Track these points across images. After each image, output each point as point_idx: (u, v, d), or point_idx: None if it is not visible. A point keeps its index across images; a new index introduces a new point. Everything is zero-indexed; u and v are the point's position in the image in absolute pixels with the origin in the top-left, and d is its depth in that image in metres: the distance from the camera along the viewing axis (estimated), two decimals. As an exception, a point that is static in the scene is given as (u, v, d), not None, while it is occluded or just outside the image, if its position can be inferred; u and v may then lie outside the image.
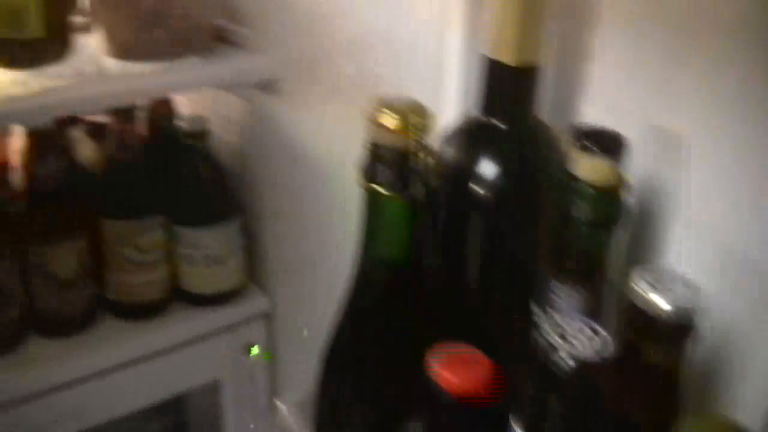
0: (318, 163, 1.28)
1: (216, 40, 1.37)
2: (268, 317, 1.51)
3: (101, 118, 1.41)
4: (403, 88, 1.03)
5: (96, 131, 1.45)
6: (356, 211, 1.18)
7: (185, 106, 1.51)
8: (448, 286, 0.78)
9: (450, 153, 0.76)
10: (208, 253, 1.41)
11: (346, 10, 1.15)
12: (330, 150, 1.25)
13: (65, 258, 1.32)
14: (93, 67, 1.28)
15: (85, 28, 1.32)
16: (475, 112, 0.77)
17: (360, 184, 0.69)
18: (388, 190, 0.68)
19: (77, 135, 1.44)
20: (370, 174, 0.68)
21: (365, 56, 1.13)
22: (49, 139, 1.29)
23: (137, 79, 1.27)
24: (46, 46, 1.21)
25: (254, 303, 1.50)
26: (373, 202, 0.70)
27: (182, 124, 1.39)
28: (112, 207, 1.36)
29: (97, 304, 1.41)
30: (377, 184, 0.68)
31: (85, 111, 1.39)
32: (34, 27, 1.18)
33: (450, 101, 0.91)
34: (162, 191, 1.39)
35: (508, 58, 0.71)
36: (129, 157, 1.35)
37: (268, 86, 1.35)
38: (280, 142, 1.36)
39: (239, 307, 1.48)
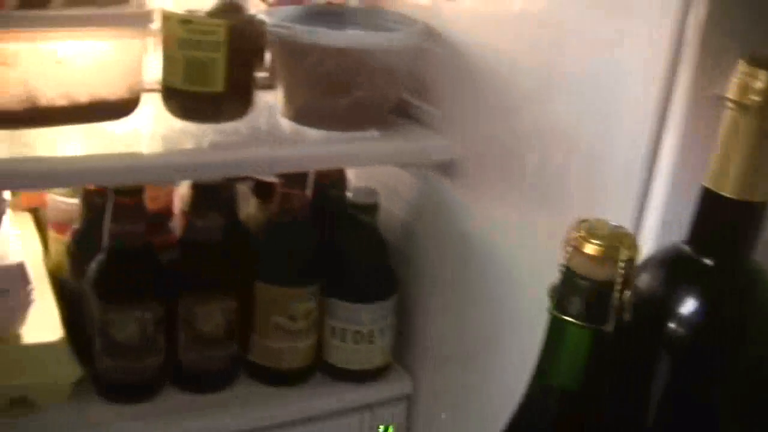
0: (488, 253, 1.23)
1: (398, 114, 1.34)
2: (409, 399, 1.46)
3: (270, 177, 1.39)
4: (592, 192, 1.00)
5: (262, 190, 1.43)
6: (518, 312, 1.15)
7: (355, 174, 1.48)
8: (624, 428, 0.72)
9: (646, 283, 0.71)
10: (359, 329, 1.37)
11: (539, 100, 1.11)
12: (502, 242, 1.20)
13: (213, 315, 1.29)
14: (269, 127, 1.27)
15: (270, 85, 1.30)
16: (680, 243, 0.71)
17: (548, 310, 0.64)
18: (579, 321, 0.63)
19: (242, 191, 1.43)
20: (561, 301, 0.63)
21: (553, 151, 1.09)
22: (213, 191, 1.27)
23: (312, 147, 1.25)
24: (226, 101, 1.19)
25: (397, 384, 1.45)
26: (558, 330, 0.65)
27: (352, 195, 1.36)
28: (268, 271, 1.33)
29: (238, 365, 1.38)
30: (568, 314, 0.63)
31: (253, 172, 1.38)
32: (216, 82, 1.16)
33: (650, 225, 0.86)
34: (322, 261, 1.35)
35: (730, 191, 0.66)
36: (292, 222, 1.32)
37: (445, 167, 1.31)
38: (451, 226, 1.31)
39: (381, 387, 1.44)
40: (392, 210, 1.44)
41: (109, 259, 1.24)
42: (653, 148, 0.90)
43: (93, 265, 1.25)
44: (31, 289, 1.24)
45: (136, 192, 1.22)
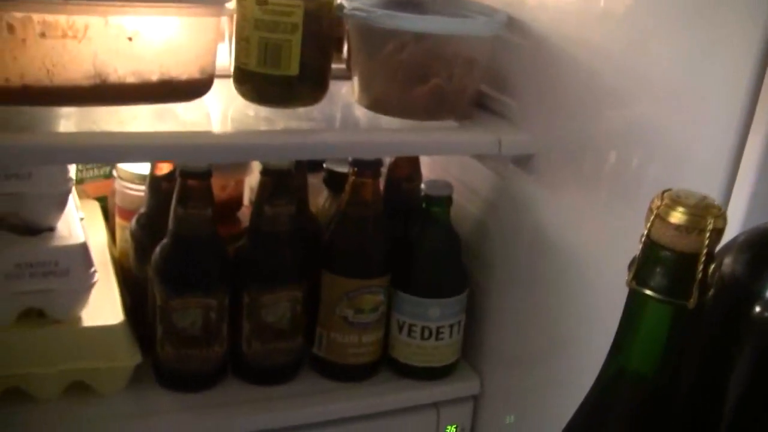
0: (563, 250, 1.19)
1: (477, 106, 1.30)
2: (475, 400, 1.42)
3: (341, 167, 1.36)
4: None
5: (334, 181, 1.40)
6: (594, 310, 1.10)
7: (429, 168, 1.45)
8: (703, 417, 0.67)
9: (730, 266, 0.66)
10: (427, 325, 1.33)
11: (622, 98, 1.07)
12: (578, 239, 1.16)
13: (279, 305, 1.26)
14: (343, 114, 1.25)
15: (345, 76, 1.28)
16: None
17: (627, 283, 0.60)
18: (659, 295, 0.58)
19: (313, 181, 1.40)
20: (641, 274, 0.59)
21: (634, 150, 1.05)
22: (283, 179, 1.24)
23: (387, 134, 1.22)
24: (300, 85, 1.17)
25: (464, 383, 1.41)
26: (636, 305, 0.61)
27: (425, 187, 1.32)
28: (336, 262, 1.30)
29: (302, 358, 1.35)
30: (649, 288, 0.58)
31: (326, 156, 1.37)
32: (290, 65, 1.14)
33: (737, 208, 0.82)
34: (392, 254, 1.32)
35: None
36: (363, 213, 1.29)
37: (521, 161, 1.27)
38: (525, 221, 1.27)
39: (448, 386, 1.39)
40: (465, 205, 1.40)
41: (174, 244, 1.22)
42: (737, 150, 0.88)
43: (157, 250, 1.23)
44: (94, 272, 1.22)
45: (204, 175, 1.19)
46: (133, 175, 1.39)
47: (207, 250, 1.23)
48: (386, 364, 1.38)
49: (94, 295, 1.23)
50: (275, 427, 1.28)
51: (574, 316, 1.18)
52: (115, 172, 1.43)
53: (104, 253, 1.39)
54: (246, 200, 1.47)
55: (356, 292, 1.29)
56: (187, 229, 1.21)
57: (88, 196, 1.52)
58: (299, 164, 1.30)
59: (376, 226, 1.30)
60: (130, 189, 1.40)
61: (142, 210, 1.32)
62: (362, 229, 1.29)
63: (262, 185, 1.24)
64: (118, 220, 1.44)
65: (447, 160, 1.48)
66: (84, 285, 1.21)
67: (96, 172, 1.54)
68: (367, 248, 1.31)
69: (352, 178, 1.28)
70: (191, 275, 1.22)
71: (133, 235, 1.32)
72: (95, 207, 1.51)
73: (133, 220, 1.33)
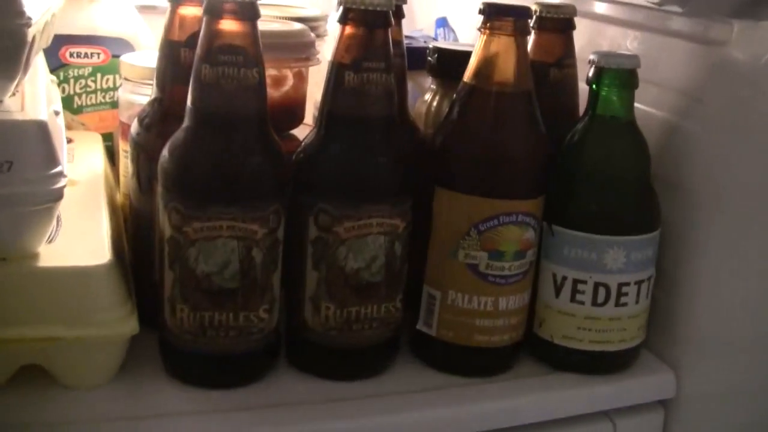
0: None
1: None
2: (666, 407, 0.95)
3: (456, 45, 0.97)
4: None
5: (446, 63, 0.96)
6: None
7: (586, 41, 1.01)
8: None
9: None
10: (604, 280, 0.85)
11: None
12: None
13: (368, 241, 0.80)
14: None
15: None
16: None
17: None
18: None
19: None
20: None
21: None
22: (379, 27, 0.78)
23: None
24: None
25: (651, 381, 0.94)
26: None
27: (598, 59, 0.86)
28: (459, 171, 0.84)
29: (399, 336, 0.88)
30: None
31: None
32: None
33: None
34: (549, 165, 0.86)
35: None
36: (502, 91, 0.83)
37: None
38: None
39: (626, 384, 0.92)
40: (643, 109, 0.93)
41: (194, 130, 0.77)
42: None
43: (168, 144, 0.78)
44: (59, 173, 0.75)
45: (248, 10, 0.75)
46: (143, 72, 0.98)
47: (249, 139, 0.78)
48: (528, 348, 0.92)
49: (69, 226, 0.82)
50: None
51: None
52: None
53: (97, 184, 0.98)
54: (310, 118, 1.02)
55: (492, 221, 0.82)
56: (218, 102, 0.76)
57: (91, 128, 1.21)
58: (398, 47, 0.88)
59: (525, 115, 0.84)
60: (140, 93, 0.99)
61: (151, 97, 0.89)
62: (502, 116, 0.83)
63: (345, 40, 0.79)
64: (122, 146, 1.02)
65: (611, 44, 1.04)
66: (42, 193, 0.74)
67: (99, 97, 1.19)
68: (510, 148, 0.84)
69: (484, 35, 0.82)
70: (222, 179, 0.77)
71: (135, 143, 0.88)
72: (95, 138, 1.16)
73: (135, 122, 0.89)
